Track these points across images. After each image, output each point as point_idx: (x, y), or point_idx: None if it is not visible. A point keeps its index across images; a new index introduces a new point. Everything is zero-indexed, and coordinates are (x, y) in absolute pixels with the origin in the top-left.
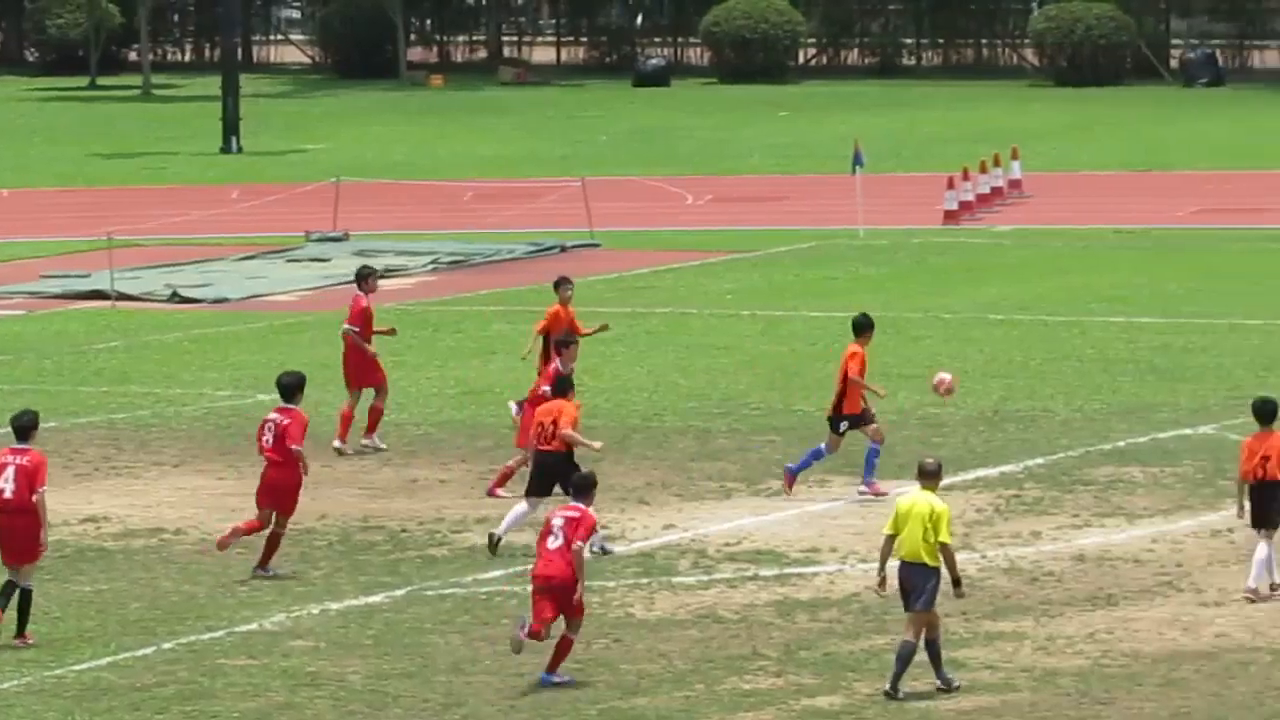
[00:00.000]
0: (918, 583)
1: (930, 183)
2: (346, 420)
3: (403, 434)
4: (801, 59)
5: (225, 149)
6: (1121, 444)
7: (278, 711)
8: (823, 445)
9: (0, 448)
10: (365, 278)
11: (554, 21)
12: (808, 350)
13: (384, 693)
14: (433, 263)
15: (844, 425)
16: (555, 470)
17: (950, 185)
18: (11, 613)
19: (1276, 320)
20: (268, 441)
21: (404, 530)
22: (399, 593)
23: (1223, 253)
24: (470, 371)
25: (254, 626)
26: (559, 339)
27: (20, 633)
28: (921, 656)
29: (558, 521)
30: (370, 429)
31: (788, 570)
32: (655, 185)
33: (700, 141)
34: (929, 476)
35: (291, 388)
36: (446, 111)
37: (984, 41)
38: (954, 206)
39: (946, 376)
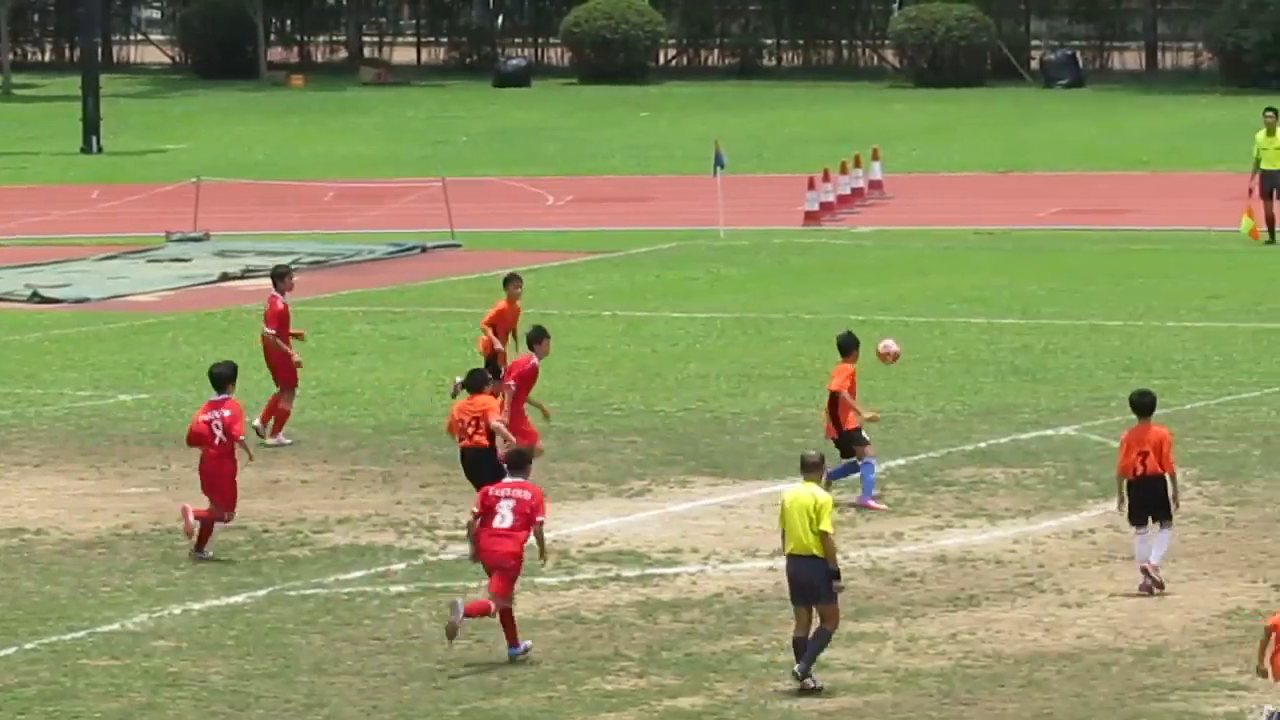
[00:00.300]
0: (811, 576)
1: (791, 183)
2: (282, 416)
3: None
4: (662, 60)
5: (86, 149)
6: (983, 445)
7: (140, 712)
8: (862, 461)
9: None
10: (281, 276)
11: (414, 22)
12: (669, 351)
13: (246, 693)
14: (293, 263)
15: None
16: (480, 464)
17: (811, 186)
18: None
19: (1137, 321)
20: (220, 438)
21: (266, 531)
22: (261, 593)
23: (1083, 254)
24: (331, 372)
25: (116, 627)
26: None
27: None
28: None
29: (507, 504)
30: (276, 428)
31: (650, 571)
32: (516, 186)
33: (561, 142)
34: (811, 469)
35: (224, 378)
36: (307, 112)
37: (844, 42)
38: (815, 207)
39: (894, 346)
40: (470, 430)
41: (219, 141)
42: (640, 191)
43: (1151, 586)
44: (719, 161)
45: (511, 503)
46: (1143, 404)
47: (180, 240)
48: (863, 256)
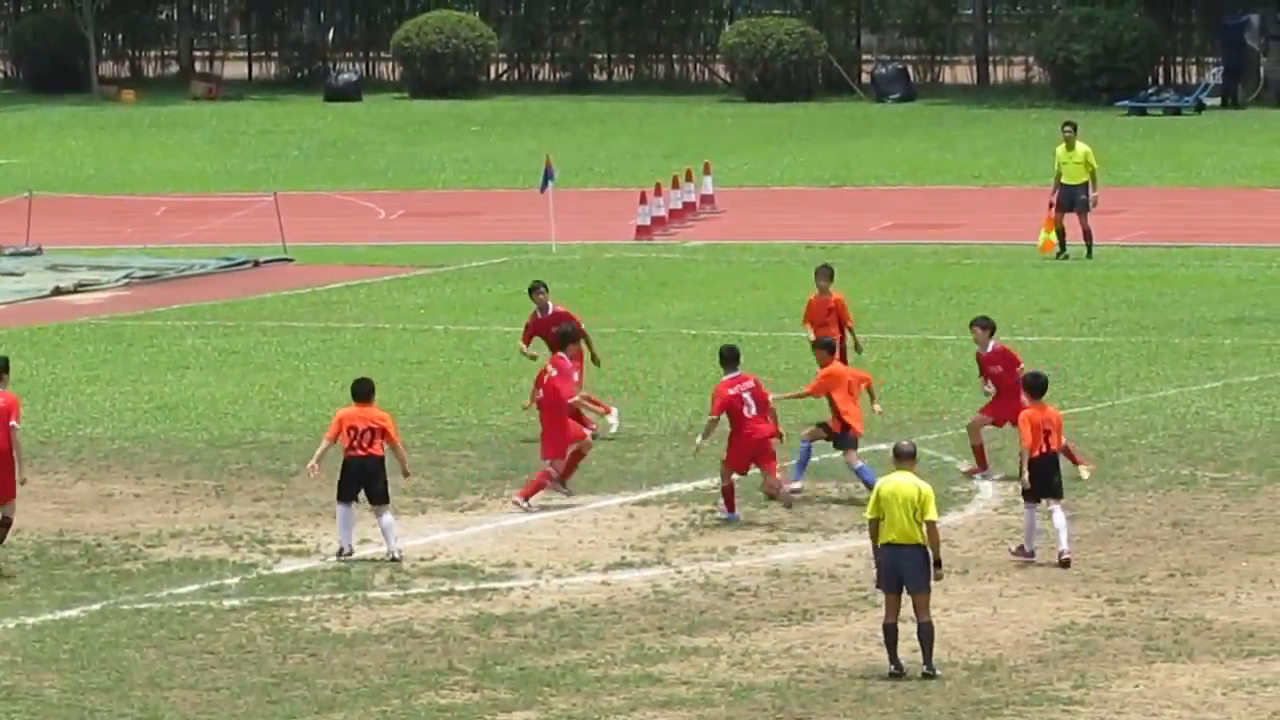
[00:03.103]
0: (911, 565)
1: (623, 198)
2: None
3: (97, 448)
4: (493, 74)
5: None
6: (816, 459)
7: None
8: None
9: None
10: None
11: (245, 36)
12: (501, 365)
13: (81, 707)
14: (126, 277)
15: None
16: (368, 475)
17: (643, 200)
18: None
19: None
20: (752, 407)
21: (99, 545)
22: (95, 607)
23: (914, 268)
24: (164, 386)
25: None
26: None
27: None
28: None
29: (746, 396)
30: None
31: (483, 585)
32: (348, 200)
33: (392, 156)
34: (906, 458)
35: (566, 337)
36: (139, 126)
37: (675, 57)
38: (646, 222)
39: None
40: (365, 442)
41: (51, 155)
42: (471, 206)
43: (1029, 559)
44: (549, 176)
45: (749, 395)
46: (1037, 385)
47: (13, 254)
48: (694, 271)
